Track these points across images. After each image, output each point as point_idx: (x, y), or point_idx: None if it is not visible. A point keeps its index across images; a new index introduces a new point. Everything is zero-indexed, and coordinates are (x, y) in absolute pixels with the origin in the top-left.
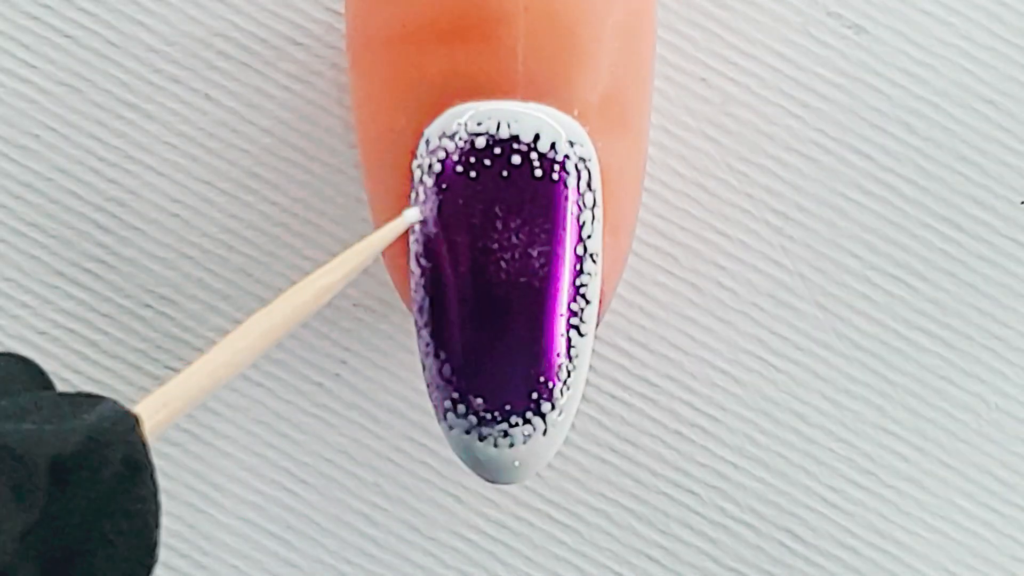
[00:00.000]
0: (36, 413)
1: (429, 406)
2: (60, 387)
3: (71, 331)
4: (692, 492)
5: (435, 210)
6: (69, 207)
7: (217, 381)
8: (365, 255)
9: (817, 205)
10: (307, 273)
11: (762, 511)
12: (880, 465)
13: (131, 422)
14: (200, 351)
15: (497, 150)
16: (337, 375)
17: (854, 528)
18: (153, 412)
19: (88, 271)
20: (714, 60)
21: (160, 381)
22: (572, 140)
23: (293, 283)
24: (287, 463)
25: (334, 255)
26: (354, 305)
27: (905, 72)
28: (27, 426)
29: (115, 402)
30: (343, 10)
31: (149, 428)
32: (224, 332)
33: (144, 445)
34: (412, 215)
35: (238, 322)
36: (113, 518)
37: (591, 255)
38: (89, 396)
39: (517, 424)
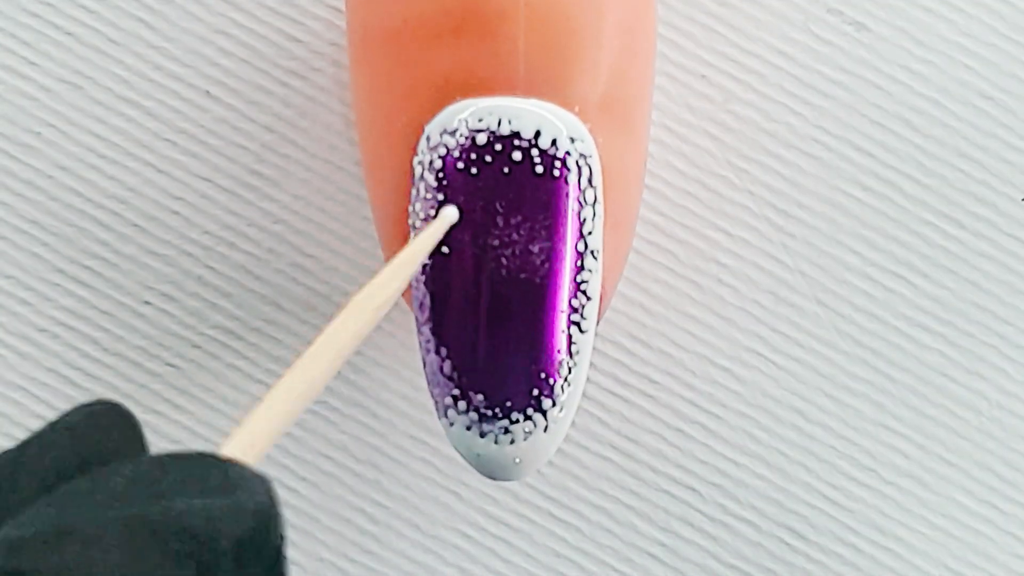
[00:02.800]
0: (181, 487)
1: (430, 403)
2: (61, 385)
3: (72, 328)
4: (693, 489)
5: (436, 207)
6: (70, 204)
7: (290, 420)
8: (416, 260)
9: (818, 202)
10: (360, 286)
11: (763, 508)
12: (881, 462)
13: (276, 499)
14: (199, 348)
15: (498, 146)
16: (338, 372)
17: (855, 525)
18: (242, 454)
19: (89, 268)
20: (715, 57)
21: (161, 379)
22: (573, 136)
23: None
24: (287, 460)
25: (339, 255)
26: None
27: (906, 69)
28: (197, 504)
29: (261, 477)
30: (343, 7)
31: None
32: (224, 329)
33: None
34: (451, 213)
35: (238, 319)
36: None
37: (592, 251)
38: (209, 457)
39: (518, 421)
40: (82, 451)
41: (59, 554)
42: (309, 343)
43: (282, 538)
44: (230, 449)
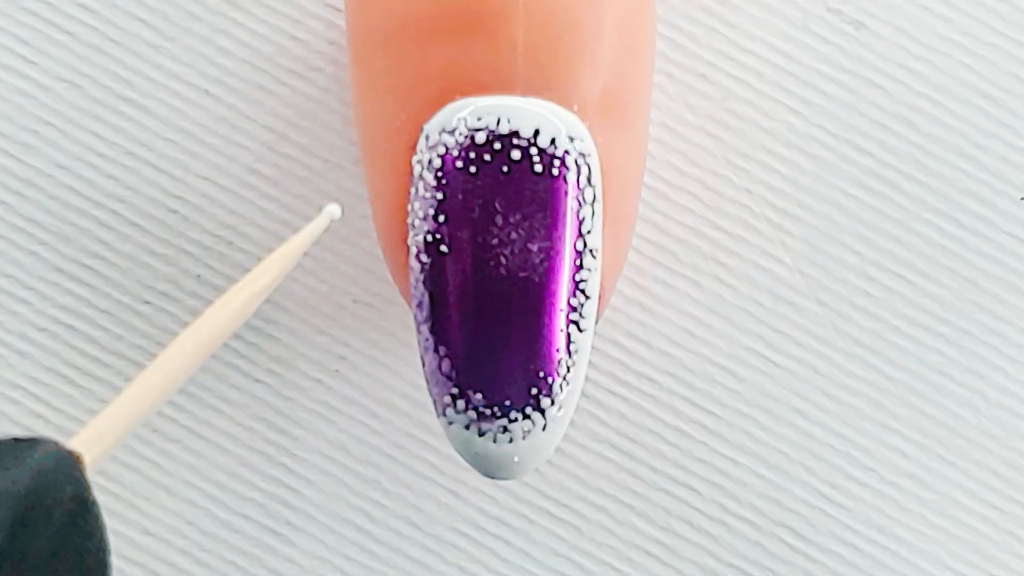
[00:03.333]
0: None
1: (428, 402)
2: (60, 384)
3: (70, 327)
4: (692, 488)
5: (435, 205)
6: (68, 203)
7: (149, 407)
8: (288, 259)
9: (817, 201)
10: (234, 281)
11: (762, 507)
12: (880, 461)
13: (74, 460)
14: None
15: (497, 145)
16: (336, 371)
17: (854, 524)
18: (90, 447)
19: (87, 267)
20: (714, 56)
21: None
22: (572, 135)
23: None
24: (286, 459)
25: (339, 255)
26: (353, 301)
27: (905, 68)
28: None
29: (55, 442)
30: (342, 6)
31: (88, 462)
32: None
33: (88, 483)
34: (333, 211)
35: None
36: (67, 558)
37: (591, 250)
38: (26, 440)
39: (517, 420)
40: None
41: None
42: (173, 337)
43: (78, 500)
44: (79, 441)
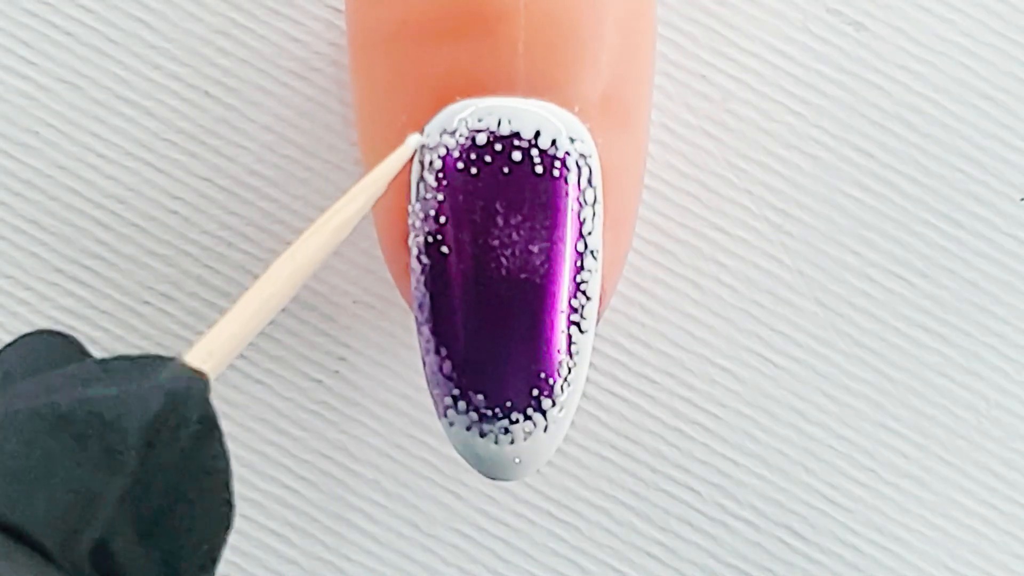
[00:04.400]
0: (108, 377)
1: (429, 403)
2: None
3: (70, 327)
4: (692, 489)
5: (436, 207)
6: (69, 204)
7: (253, 329)
8: (375, 187)
9: (817, 202)
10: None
11: (762, 508)
12: (880, 462)
13: (202, 382)
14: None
15: (498, 147)
16: (336, 372)
17: (854, 525)
18: (200, 363)
19: (87, 268)
20: (714, 57)
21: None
22: (573, 137)
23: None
24: (286, 460)
25: (338, 255)
26: (354, 302)
27: (905, 69)
28: (109, 391)
29: (182, 362)
30: (343, 6)
31: (214, 374)
32: None
33: (212, 405)
34: (415, 140)
35: None
36: (194, 477)
37: (592, 251)
38: (152, 357)
39: (518, 421)
40: (31, 363)
41: None
42: (272, 261)
43: (204, 420)
44: (189, 358)
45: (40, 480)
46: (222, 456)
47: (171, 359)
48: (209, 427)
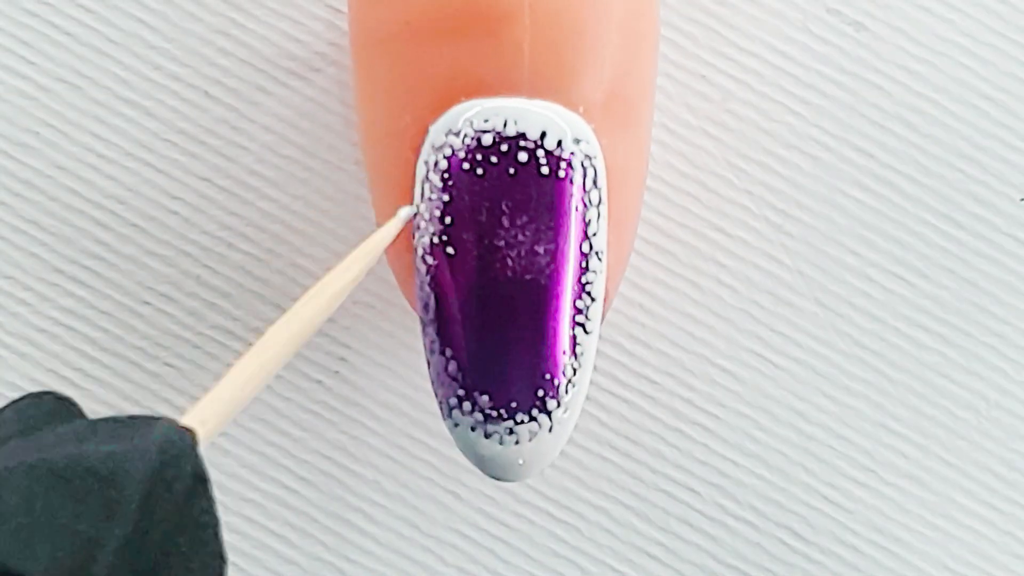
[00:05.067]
0: (98, 436)
1: (429, 403)
2: (59, 385)
3: (70, 328)
4: (692, 489)
5: (441, 207)
6: (68, 204)
7: (247, 396)
8: (371, 255)
9: (817, 202)
10: (316, 278)
11: (762, 508)
12: (880, 462)
13: (191, 438)
14: (198, 348)
15: (503, 147)
16: (337, 372)
17: (854, 525)
18: (199, 426)
19: (87, 268)
20: (714, 57)
21: (159, 379)
22: (578, 137)
23: (302, 287)
24: (287, 460)
25: (338, 255)
26: (354, 303)
27: (905, 69)
28: (106, 448)
29: (171, 420)
30: (344, 6)
31: (205, 437)
32: (223, 330)
33: (203, 459)
34: (406, 212)
35: (237, 319)
36: (187, 531)
37: (596, 252)
38: (141, 417)
39: (523, 422)
40: (25, 424)
41: None
42: (267, 326)
43: (196, 476)
44: (186, 421)
45: (42, 531)
46: (212, 511)
47: (161, 418)
48: (200, 482)
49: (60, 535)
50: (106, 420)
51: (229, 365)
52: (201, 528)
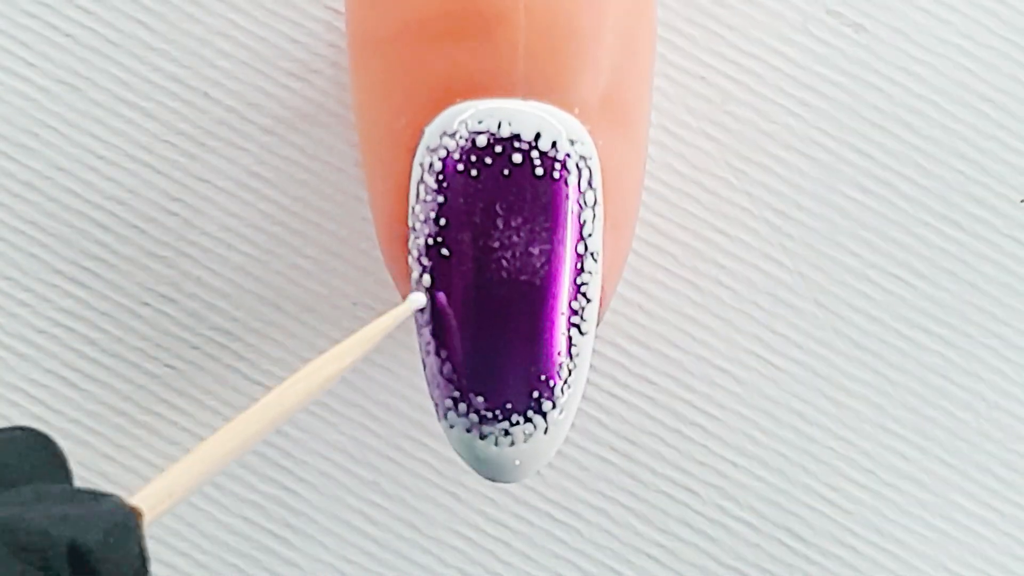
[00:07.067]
0: (44, 503)
1: (428, 404)
2: (59, 386)
3: (70, 329)
4: (691, 491)
5: (436, 209)
6: (68, 205)
7: (203, 481)
8: (368, 344)
9: (817, 203)
10: (306, 361)
11: (761, 509)
12: (879, 463)
13: (136, 518)
14: (197, 349)
15: (498, 148)
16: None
17: (853, 526)
18: (156, 503)
19: (87, 269)
20: (714, 58)
21: (159, 380)
22: (573, 139)
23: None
24: (286, 462)
25: (338, 255)
26: (353, 304)
27: (905, 70)
28: (53, 510)
29: (119, 498)
30: (343, 8)
31: (150, 519)
32: (222, 331)
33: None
34: (418, 300)
35: (236, 321)
36: None
37: (592, 253)
38: (89, 492)
39: (518, 423)
40: None
41: None
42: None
43: (142, 558)
44: (143, 496)
45: None
46: None
47: (110, 495)
48: (144, 563)
49: None
50: (60, 488)
51: (229, 367)
52: None
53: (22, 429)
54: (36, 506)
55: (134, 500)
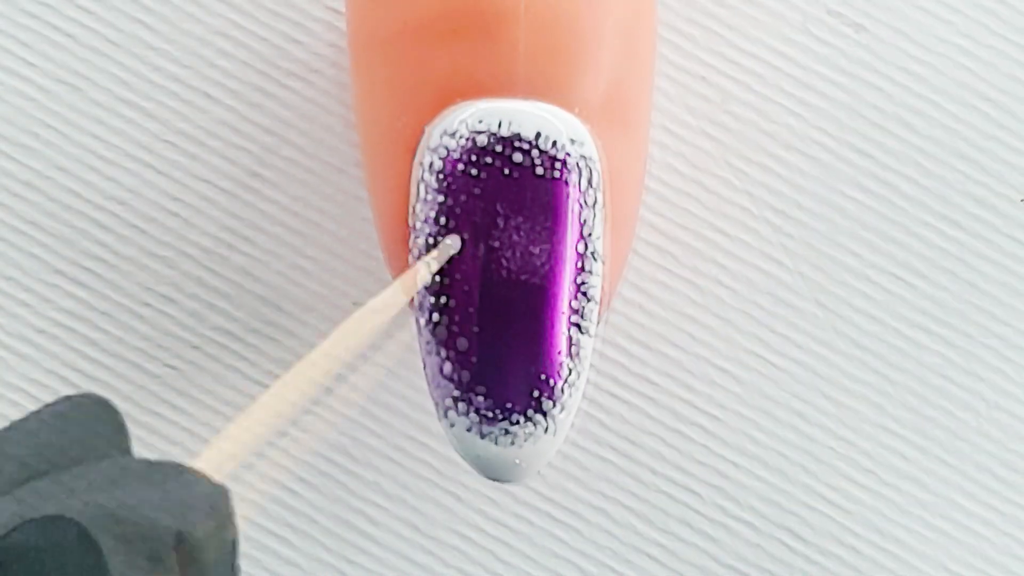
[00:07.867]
0: (132, 483)
1: (429, 404)
2: (59, 386)
3: (70, 329)
4: (692, 491)
5: (437, 208)
6: (69, 205)
7: (264, 435)
8: (415, 285)
9: (817, 203)
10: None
11: (762, 509)
12: (880, 463)
13: (231, 503)
14: (198, 349)
15: (499, 148)
16: (337, 373)
17: (854, 526)
18: (211, 469)
19: (88, 269)
20: (714, 58)
21: (159, 380)
22: (574, 138)
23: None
24: (286, 461)
25: (338, 256)
26: (353, 304)
27: (905, 70)
28: (147, 496)
29: (207, 477)
30: (343, 8)
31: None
32: (223, 331)
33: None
34: (453, 242)
35: (237, 321)
36: None
37: (593, 253)
38: (171, 465)
39: (519, 422)
40: (63, 442)
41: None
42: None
43: (232, 542)
44: (202, 463)
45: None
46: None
47: (192, 472)
48: (235, 548)
49: None
50: (141, 463)
51: (229, 367)
52: None
53: (86, 396)
54: (131, 489)
55: (200, 463)
